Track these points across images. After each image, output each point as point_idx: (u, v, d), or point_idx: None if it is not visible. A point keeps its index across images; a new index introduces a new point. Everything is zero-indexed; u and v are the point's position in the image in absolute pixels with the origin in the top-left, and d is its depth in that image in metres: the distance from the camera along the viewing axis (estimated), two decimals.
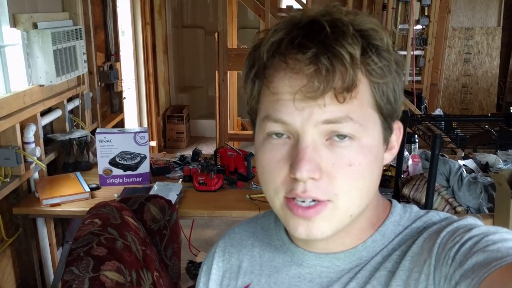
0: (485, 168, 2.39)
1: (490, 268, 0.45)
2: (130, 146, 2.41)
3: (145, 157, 2.44)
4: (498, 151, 2.57)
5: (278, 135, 0.55)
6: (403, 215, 0.62)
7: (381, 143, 0.57)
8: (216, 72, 3.80)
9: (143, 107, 4.87)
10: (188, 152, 2.86)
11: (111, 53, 3.71)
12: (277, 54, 0.53)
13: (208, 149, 5.31)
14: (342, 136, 0.53)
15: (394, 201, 0.65)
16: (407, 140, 2.61)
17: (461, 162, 2.30)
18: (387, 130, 0.57)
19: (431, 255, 0.53)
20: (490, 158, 2.45)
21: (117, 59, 3.85)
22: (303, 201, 0.53)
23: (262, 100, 0.56)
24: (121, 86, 3.95)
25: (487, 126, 2.12)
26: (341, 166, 0.53)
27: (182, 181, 2.48)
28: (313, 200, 0.53)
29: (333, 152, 0.53)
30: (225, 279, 0.71)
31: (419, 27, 4.21)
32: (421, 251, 0.56)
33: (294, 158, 0.52)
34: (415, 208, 0.63)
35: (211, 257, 0.74)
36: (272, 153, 0.55)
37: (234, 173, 2.54)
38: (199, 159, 2.76)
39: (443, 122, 2.13)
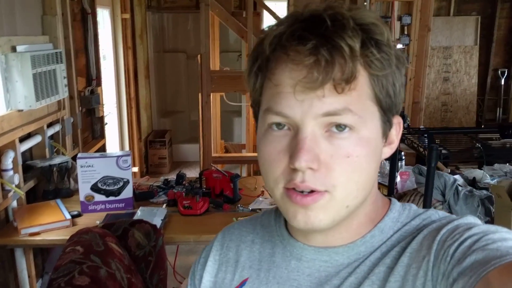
0: (472, 183, 2.39)
1: (488, 267, 0.45)
2: (112, 170, 2.35)
3: (128, 182, 2.38)
4: (484, 166, 2.59)
5: (279, 126, 0.56)
6: (402, 212, 0.63)
7: (380, 136, 0.57)
8: (200, 94, 3.77)
9: (124, 132, 4.80)
10: (172, 176, 2.80)
11: (92, 78, 3.66)
12: (279, 47, 0.54)
13: (191, 174, 5.23)
14: (341, 128, 0.53)
15: (393, 199, 0.65)
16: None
17: None
18: (386, 123, 0.58)
19: (430, 252, 0.53)
20: (477, 173, 2.45)
21: (99, 83, 3.79)
22: (302, 191, 0.54)
23: (264, 92, 0.58)
24: (103, 111, 3.88)
25: (474, 141, 2.13)
26: (339, 157, 0.53)
27: (166, 205, 2.41)
28: (311, 191, 0.54)
29: (332, 143, 0.54)
30: (221, 272, 0.71)
31: (400, 45, 4.27)
32: (420, 247, 0.56)
33: (293, 149, 0.54)
34: (414, 206, 0.64)
35: (208, 250, 0.74)
36: (273, 144, 0.56)
37: (220, 196, 2.49)
38: (184, 182, 2.70)
39: (426, 139, 2.13)
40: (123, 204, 2.38)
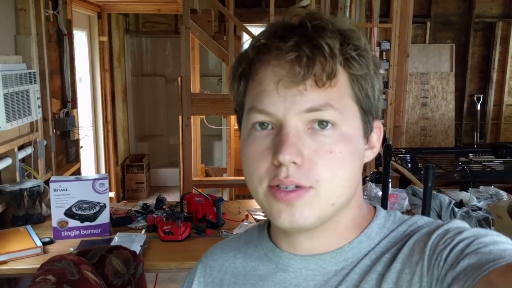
0: (459, 205, 2.35)
1: (483, 270, 0.45)
2: (88, 194, 2.22)
3: (104, 206, 2.25)
4: (470, 188, 2.56)
5: (263, 126, 0.56)
6: (387, 219, 0.63)
7: (361, 136, 0.58)
8: (180, 117, 3.68)
9: (101, 156, 4.66)
10: (151, 201, 2.68)
11: (67, 100, 3.55)
12: (262, 47, 0.56)
13: (170, 198, 5.06)
14: (323, 125, 0.54)
15: (378, 206, 0.65)
16: (379, 180, 2.55)
17: None
18: (367, 124, 0.59)
19: (423, 257, 0.53)
20: (463, 195, 2.42)
21: (74, 106, 3.68)
22: (286, 187, 0.54)
23: (248, 93, 0.58)
24: (78, 134, 3.75)
25: (460, 163, 2.11)
26: (322, 153, 0.54)
27: (145, 231, 2.29)
28: (296, 188, 0.53)
29: (315, 139, 0.54)
30: None
31: (381, 71, 4.30)
32: (411, 252, 0.55)
33: (277, 145, 0.54)
34: (398, 213, 0.64)
35: (192, 274, 0.73)
36: (257, 143, 0.56)
37: (203, 221, 2.38)
38: (163, 207, 2.58)
39: (409, 163, 2.10)
40: (99, 230, 2.24)
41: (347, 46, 0.54)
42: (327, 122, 0.54)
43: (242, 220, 2.40)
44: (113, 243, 2.02)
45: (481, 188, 2.64)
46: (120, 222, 2.38)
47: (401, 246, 0.58)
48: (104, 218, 2.25)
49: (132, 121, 5.98)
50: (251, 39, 0.59)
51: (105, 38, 4.77)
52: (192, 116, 3.74)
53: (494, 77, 5.94)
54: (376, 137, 0.62)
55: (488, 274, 0.45)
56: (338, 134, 0.55)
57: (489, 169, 2.16)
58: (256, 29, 5.38)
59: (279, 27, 0.56)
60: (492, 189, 2.61)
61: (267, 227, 0.68)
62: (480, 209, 2.20)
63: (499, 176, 2.54)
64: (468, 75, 5.94)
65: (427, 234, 0.56)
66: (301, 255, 0.61)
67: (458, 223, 0.57)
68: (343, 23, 0.56)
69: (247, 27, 4.13)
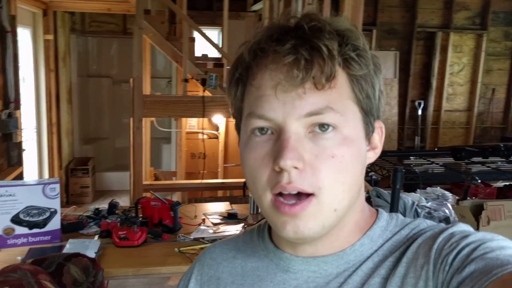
0: (411, 206, 2.45)
1: (491, 276, 0.44)
2: (37, 199, 2.11)
3: (55, 212, 2.15)
4: (418, 189, 2.68)
5: (262, 131, 0.55)
6: (390, 222, 0.62)
7: (363, 138, 0.57)
8: (131, 119, 3.59)
9: (44, 159, 4.45)
10: (103, 206, 2.59)
11: (10, 100, 3.35)
12: (258, 51, 0.54)
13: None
14: (324, 128, 0.53)
15: (380, 209, 0.65)
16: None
17: None
18: (368, 125, 0.58)
19: (429, 261, 0.52)
20: (413, 196, 2.52)
21: (17, 106, 3.49)
22: (289, 194, 0.53)
23: (246, 98, 0.57)
24: (21, 136, 3.56)
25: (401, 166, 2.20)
26: (323, 157, 0.53)
27: (99, 237, 2.20)
28: (298, 193, 0.52)
29: (316, 143, 0.53)
30: None
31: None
32: (416, 256, 0.55)
33: (277, 150, 0.53)
34: (400, 216, 0.64)
35: (189, 272, 0.71)
36: (257, 150, 0.55)
37: (159, 225, 2.32)
38: (117, 211, 2.50)
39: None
40: (49, 237, 2.14)
41: (345, 46, 0.53)
42: (328, 125, 0.53)
43: (199, 224, 2.37)
44: (65, 250, 1.93)
45: (428, 189, 2.76)
46: (71, 228, 2.28)
47: (405, 249, 0.57)
48: (54, 224, 2.14)
49: (77, 123, 5.76)
50: (246, 43, 0.57)
51: (50, 37, 4.56)
52: (143, 119, 3.66)
53: (434, 84, 6.26)
54: (378, 138, 0.61)
55: (497, 280, 0.44)
56: (339, 137, 0.54)
57: (431, 171, 2.27)
58: (208, 32, 5.34)
59: (275, 30, 0.54)
60: (439, 190, 2.73)
61: (268, 228, 0.67)
62: (429, 209, 2.30)
63: (445, 178, 2.69)
64: (411, 82, 6.22)
65: (431, 238, 0.56)
66: (302, 257, 0.61)
67: (462, 227, 0.56)
68: (341, 23, 0.54)
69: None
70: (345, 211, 0.56)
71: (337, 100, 0.53)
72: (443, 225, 0.59)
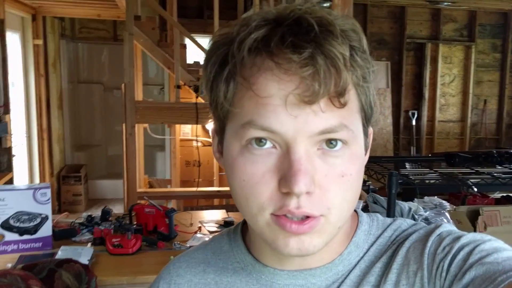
0: (407, 212, 2.42)
1: (497, 284, 0.43)
2: (28, 205, 2.06)
3: (46, 218, 2.09)
4: (415, 198, 2.66)
5: (260, 143, 0.48)
6: (371, 224, 0.60)
7: (364, 150, 0.53)
8: (123, 125, 3.53)
9: (35, 165, 4.37)
10: (96, 213, 2.53)
11: None
12: (264, 53, 0.47)
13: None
14: (332, 144, 0.48)
15: (359, 210, 0.61)
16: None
17: None
18: (366, 135, 0.54)
19: (423, 267, 0.50)
20: (412, 205, 2.49)
21: (7, 111, 3.43)
22: (294, 218, 0.48)
23: (241, 103, 0.49)
24: (11, 142, 3.49)
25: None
26: (333, 177, 0.49)
27: (92, 244, 2.15)
28: (306, 217, 0.48)
29: (326, 162, 0.48)
30: None
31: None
32: (406, 261, 0.53)
33: (286, 171, 0.47)
34: (379, 216, 0.61)
35: None
36: (256, 165, 0.48)
37: (153, 233, 2.27)
38: (110, 218, 2.44)
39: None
40: (40, 244, 2.07)
41: (355, 53, 0.48)
42: (336, 140, 0.48)
43: (195, 232, 2.32)
44: (57, 258, 1.87)
45: (426, 198, 2.74)
46: (63, 235, 2.22)
47: (391, 254, 0.55)
48: (46, 230, 2.08)
49: (68, 130, 5.69)
50: (234, 28, 0.50)
51: (40, 42, 4.51)
52: (136, 125, 3.60)
53: (426, 94, 6.29)
54: (369, 144, 0.57)
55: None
56: (348, 154, 0.49)
57: (427, 181, 2.26)
58: (199, 39, 5.32)
59: (283, 29, 0.47)
60: (436, 199, 2.72)
61: (242, 236, 0.61)
62: (427, 219, 2.28)
63: (442, 189, 2.68)
64: (403, 92, 6.25)
65: (420, 241, 0.53)
66: (288, 270, 0.56)
67: (447, 227, 0.54)
68: (344, 22, 0.48)
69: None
70: (345, 225, 0.54)
71: (349, 115, 0.49)
72: (423, 224, 0.58)
